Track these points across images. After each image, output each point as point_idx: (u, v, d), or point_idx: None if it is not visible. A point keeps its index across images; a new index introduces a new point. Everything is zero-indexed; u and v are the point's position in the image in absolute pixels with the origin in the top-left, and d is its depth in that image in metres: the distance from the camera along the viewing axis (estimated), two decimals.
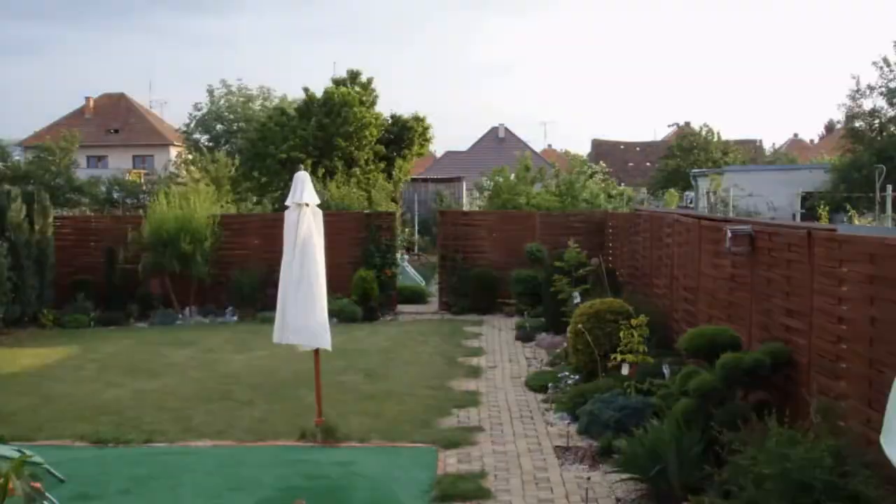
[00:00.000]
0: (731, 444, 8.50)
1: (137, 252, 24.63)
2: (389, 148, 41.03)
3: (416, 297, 27.47)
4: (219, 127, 57.75)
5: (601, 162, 40.15)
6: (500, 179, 32.34)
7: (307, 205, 12.44)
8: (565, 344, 17.02)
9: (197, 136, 58.19)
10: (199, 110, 58.48)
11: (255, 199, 35.60)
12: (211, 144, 54.37)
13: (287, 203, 12.61)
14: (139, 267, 24.46)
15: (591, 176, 33.05)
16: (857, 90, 42.42)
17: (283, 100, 47.30)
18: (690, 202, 42.54)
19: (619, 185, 40.34)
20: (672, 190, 35.89)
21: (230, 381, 16.28)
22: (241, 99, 58.36)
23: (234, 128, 55.99)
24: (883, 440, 4.88)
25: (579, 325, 14.78)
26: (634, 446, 9.59)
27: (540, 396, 14.66)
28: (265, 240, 24.72)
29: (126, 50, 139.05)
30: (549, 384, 14.59)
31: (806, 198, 36.89)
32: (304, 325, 12.30)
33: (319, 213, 12.66)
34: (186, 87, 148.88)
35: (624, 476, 9.80)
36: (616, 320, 14.12)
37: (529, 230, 25.87)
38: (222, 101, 58.54)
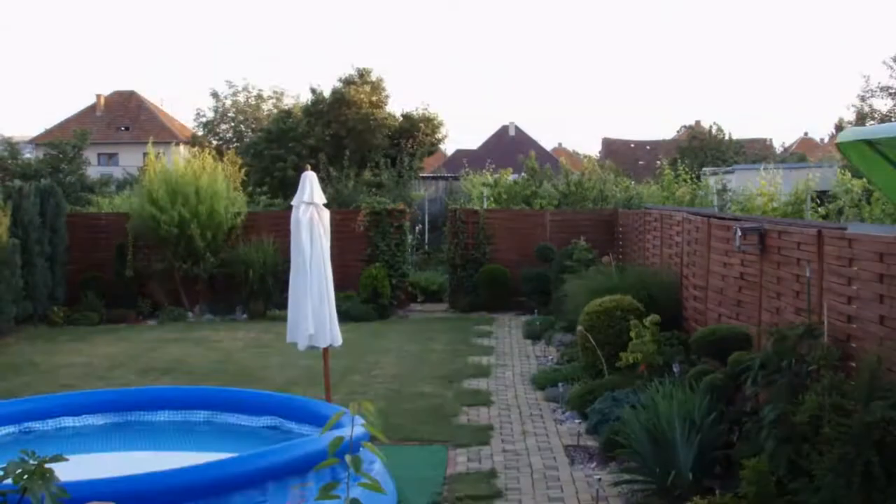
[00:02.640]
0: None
1: (137, 243, 24.79)
2: (400, 147, 41.10)
3: (431, 294, 27.42)
4: (223, 127, 57.40)
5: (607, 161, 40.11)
6: (510, 179, 32.39)
7: (314, 204, 12.46)
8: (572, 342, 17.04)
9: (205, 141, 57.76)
10: (202, 116, 57.99)
11: (266, 199, 35.60)
12: (222, 145, 54.04)
13: (293, 202, 12.64)
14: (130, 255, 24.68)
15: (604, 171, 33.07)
16: (868, 90, 42.43)
17: (297, 104, 47.18)
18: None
19: (631, 184, 40.19)
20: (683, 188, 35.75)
21: (238, 379, 16.29)
22: (252, 101, 57.98)
23: (242, 129, 55.68)
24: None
25: (581, 327, 14.80)
26: (637, 444, 9.58)
27: (550, 395, 14.67)
28: (275, 237, 24.70)
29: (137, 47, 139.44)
30: (560, 382, 14.59)
31: (816, 198, 36.73)
32: (314, 324, 12.32)
33: (326, 212, 12.68)
34: (196, 85, 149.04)
35: (635, 483, 9.78)
36: (626, 318, 14.07)
37: (540, 228, 25.90)
38: (228, 102, 58.22)
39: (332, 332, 12.45)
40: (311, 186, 12.54)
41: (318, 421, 10.31)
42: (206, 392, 12.76)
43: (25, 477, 3.57)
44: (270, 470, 8.27)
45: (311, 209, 12.43)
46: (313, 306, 12.27)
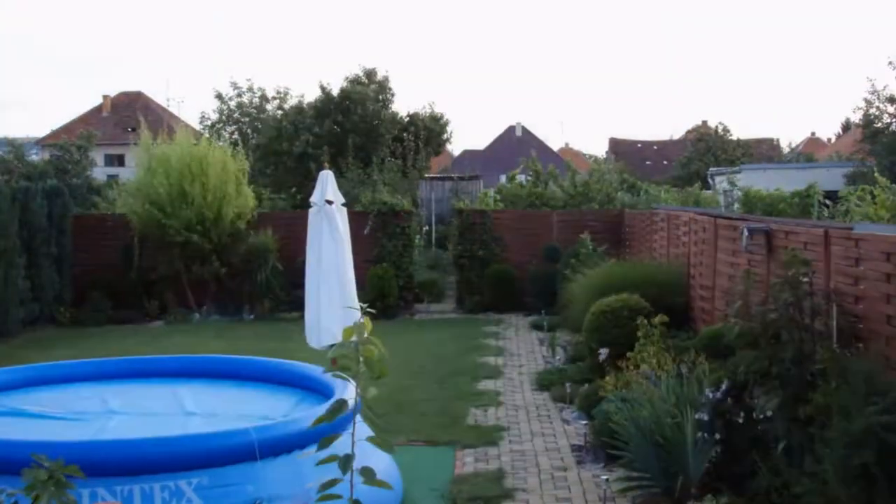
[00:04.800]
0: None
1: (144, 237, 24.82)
2: (406, 146, 41.07)
3: (437, 295, 27.40)
4: (229, 129, 57.14)
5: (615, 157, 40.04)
6: (521, 179, 32.44)
7: (332, 203, 12.46)
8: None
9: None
10: (207, 119, 57.73)
11: (269, 193, 35.71)
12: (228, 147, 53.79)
13: (311, 202, 12.62)
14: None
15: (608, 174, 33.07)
16: (874, 92, 42.35)
17: (301, 102, 47.15)
18: None
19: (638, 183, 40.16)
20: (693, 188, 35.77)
21: None
22: (256, 100, 57.77)
23: (247, 130, 55.49)
24: None
25: (586, 327, 14.79)
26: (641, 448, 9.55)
27: (556, 395, 14.65)
28: (283, 236, 24.68)
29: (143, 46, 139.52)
30: (567, 383, 14.56)
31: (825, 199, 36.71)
32: (336, 324, 12.28)
33: (344, 210, 12.68)
34: (203, 85, 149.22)
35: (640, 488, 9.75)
36: (633, 318, 13.99)
37: (547, 229, 25.92)
38: (233, 104, 58.00)
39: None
40: (329, 186, 12.55)
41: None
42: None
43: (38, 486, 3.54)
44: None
45: (330, 209, 12.43)
46: (332, 306, 12.23)
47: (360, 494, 4.32)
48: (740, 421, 9.17)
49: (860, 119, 44.73)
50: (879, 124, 42.55)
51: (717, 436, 9.22)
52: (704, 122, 72.99)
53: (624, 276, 16.59)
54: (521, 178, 33.34)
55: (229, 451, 8.06)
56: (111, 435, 9.15)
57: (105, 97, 78.42)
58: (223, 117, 56.29)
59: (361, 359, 4.25)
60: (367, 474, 4.07)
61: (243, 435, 8.26)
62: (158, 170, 24.41)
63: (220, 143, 26.61)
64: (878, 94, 42.34)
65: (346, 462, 4.04)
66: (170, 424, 9.52)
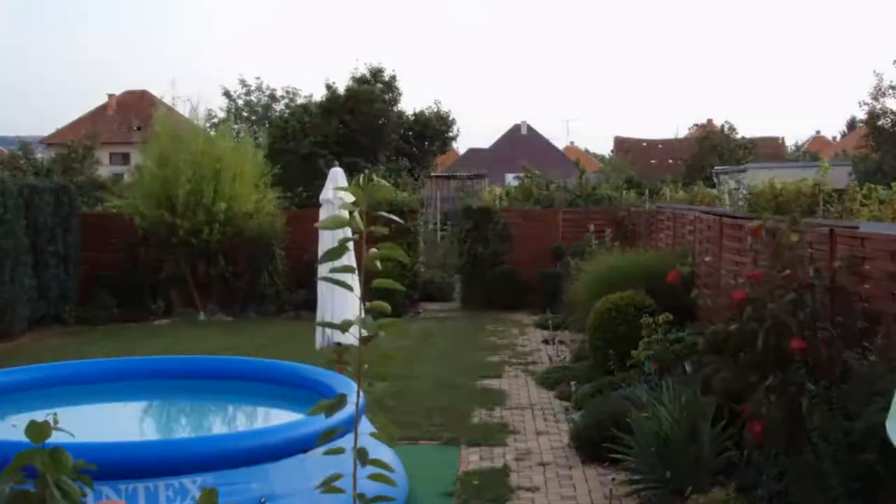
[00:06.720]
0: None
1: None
2: (412, 145, 41.11)
3: (443, 293, 27.40)
4: (236, 127, 57.06)
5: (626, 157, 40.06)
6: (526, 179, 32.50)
7: (342, 201, 12.47)
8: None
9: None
10: (213, 117, 57.72)
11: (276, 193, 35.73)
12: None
13: (321, 200, 12.60)
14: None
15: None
16: (880, 88, 42.25)
17: (309, 102, 47.14)
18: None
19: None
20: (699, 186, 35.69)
21: None
22: (265, 100, 57.78)
23: (254, 128, 55.63)
24: (888, 425, 4.90)
25: (589, 325, 14.79)
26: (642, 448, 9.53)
27: (561, 393, 14.65)
28: (289, 236, 24.61)
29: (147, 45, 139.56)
30: (572, 381, 14.57)
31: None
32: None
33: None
34: (208, 83, 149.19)
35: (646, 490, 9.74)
36: (638, 316, 13.97)
37: (552, 227, 25.93)
38: (241, 102, 58.03)
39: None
40: (337, 183, 12.54)
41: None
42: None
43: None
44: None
45: (339, 207, 12.43)
46: (341, 306, 12.21)
47: (365, 492, 4.31)
48: (742, 421, 9.17)
49: (865, 115, 44.65)
50: (884, 121, 42.48)
51: (720, 436, 9.23)
52: (710, 121, 72.97)
53: (625, 270, 16.52)
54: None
55: (235, 454, 8.09)
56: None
57: (110, 96, 78.44)
58: (231, 115, 56.38)
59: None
60: (377, 465, 4.07)
61: (249, 438, 8.28)
62: (174, 170, 24.04)
63: (239, 139, 26.20)
64: (883, 91, 42.28)
65: (362, 455, 4.03)
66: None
